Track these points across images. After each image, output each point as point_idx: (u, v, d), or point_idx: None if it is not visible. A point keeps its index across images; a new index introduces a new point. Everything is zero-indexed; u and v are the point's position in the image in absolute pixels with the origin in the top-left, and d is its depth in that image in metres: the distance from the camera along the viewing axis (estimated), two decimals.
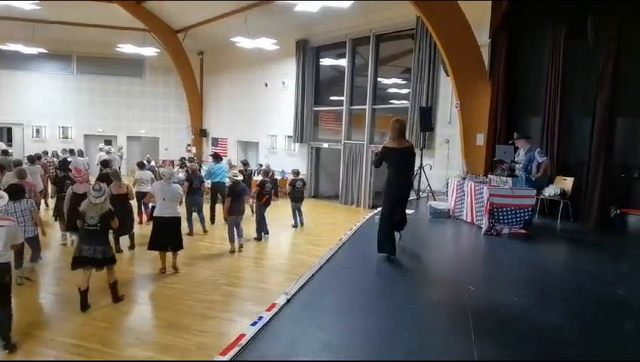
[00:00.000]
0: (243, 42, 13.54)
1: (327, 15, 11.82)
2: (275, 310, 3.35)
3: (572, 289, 4.40)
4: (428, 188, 9.17)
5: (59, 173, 8.67)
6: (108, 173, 8.26)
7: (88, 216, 5.16)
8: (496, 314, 3.56)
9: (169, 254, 6.77)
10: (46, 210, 10.39)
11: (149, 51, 16.63)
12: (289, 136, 15.35)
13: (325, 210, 13.09)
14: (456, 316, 3.56)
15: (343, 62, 13.72)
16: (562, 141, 7.66)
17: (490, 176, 6.91)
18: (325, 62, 14.79)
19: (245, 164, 12.02)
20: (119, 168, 14.38)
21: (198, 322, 5.07)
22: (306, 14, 11.61)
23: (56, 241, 8.07)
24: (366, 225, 6.52)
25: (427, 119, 9.77)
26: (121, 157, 17.21)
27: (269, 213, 9.34)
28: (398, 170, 4.78)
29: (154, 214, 6.83)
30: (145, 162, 10.97)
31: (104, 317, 5.12)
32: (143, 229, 8.99)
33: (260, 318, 3.20)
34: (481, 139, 9.03)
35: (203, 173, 10.91)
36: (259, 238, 9.02)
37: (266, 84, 16.35)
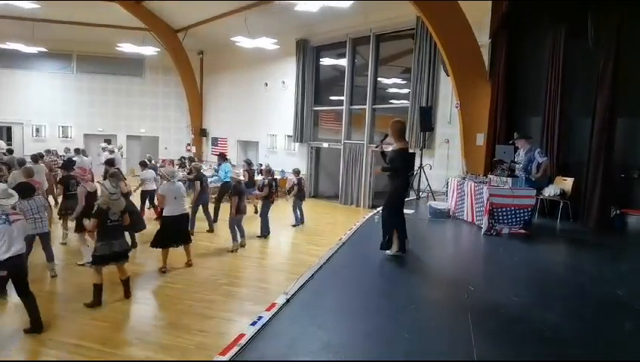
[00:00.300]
0: (243, 42, 13.53)
1: (327, 15, 11.82)
2: (274, 310, 3.35)
3: (572, 290, 4.40)
4: (428, 188, 9.17)
5: (62, 173, 8.72)
6: (115, 172, 8.42)
7: (111, 213, 5.36)
8: (496, 314, 3.56)
9: (171, 252, 6.87)
10: (53, 207, 10.41)
11: (149, 51, 16.61)
12: (289, 136, 15.35)
13: (325, 209, 13.09)
14: (456, 316, 3.56)
15: (343, 62, 13.71)
16: (562, 141, 7.66)
17: (490, 176, 6.90)
18: (325, 61, 14.78)
19: (249, 163, 12.05)
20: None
21: (197, 322, 5.07)
22: (306, 14, 11.61)
23: (57, 240, 8.05)
24: (366, 225, 6.52)
25: (427, 119, 9.78)
26: (121, 156, 17.21)
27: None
28: (409, 170, 4.90)
29: (166, 214, 6.88)
30: (147, 161, 11.06)
31: (104, 317, 5.13)
32: (148, 227, 9.06)
33: (260, 318, 3.20)
34: (481, 139, 9.03)
35: (221, 173, 11.10)
36: (266, 235, 9.24)
37: (266, 84, 16.34)
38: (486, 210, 6.24)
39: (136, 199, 10.37)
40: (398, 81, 12.94)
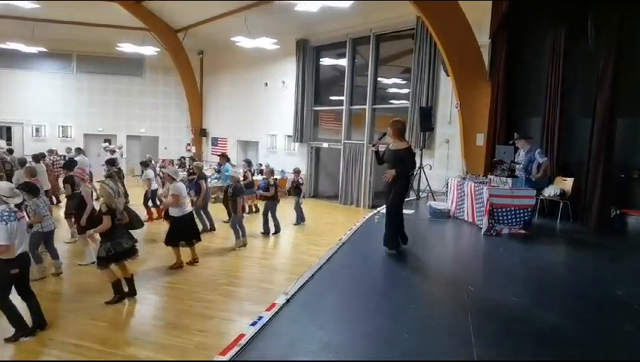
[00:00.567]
0: (243, 42, 13.53)
1: (327, 15, 11.81)
2: (274, 310, 3.35)
3: (572, 290, 4.41)
4: (428, 188, 9.17)
5: (65, 172, 8.77)
6: (117, 172, 8.59)
7: (119, 211, 5.45)
8: (496, 314, 3.56)
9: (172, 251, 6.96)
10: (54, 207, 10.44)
11: (149, 50, 16.60)
12: (289, 136, 15.34)
13: (325, 209, 13.09)
14: (456, 316, 3.56)
15: (343, 62, 13.70)
16: (562, 141, 7.66)
17: (490, 176, 6.91)
18: (325, 61, 14.77)
19: (249, 163, 12.06)
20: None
21: (197, 322, 5.07)
22: (306, 14, 11.60)
23: (61, 239, 8.02)
24: (366, 225, 6.52)
25: (427, 119, 9.78)
26: (121, 156, 17.22)
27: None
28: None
29: (175, 214, 6.92)
30: (148, 161, 11.13)
31: (104, 317, 5.13)
32: (151, 226, 9.19)
33: (260, 318, 3.20)
34: (481, 140, 9.03)
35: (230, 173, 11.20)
36: (276, 232, 9.43)
37: (266, 84, 16.33)
38: (486, 210, 6.24)
39: (136, 199, 10.45)
40: (398, 81, 12.93)
